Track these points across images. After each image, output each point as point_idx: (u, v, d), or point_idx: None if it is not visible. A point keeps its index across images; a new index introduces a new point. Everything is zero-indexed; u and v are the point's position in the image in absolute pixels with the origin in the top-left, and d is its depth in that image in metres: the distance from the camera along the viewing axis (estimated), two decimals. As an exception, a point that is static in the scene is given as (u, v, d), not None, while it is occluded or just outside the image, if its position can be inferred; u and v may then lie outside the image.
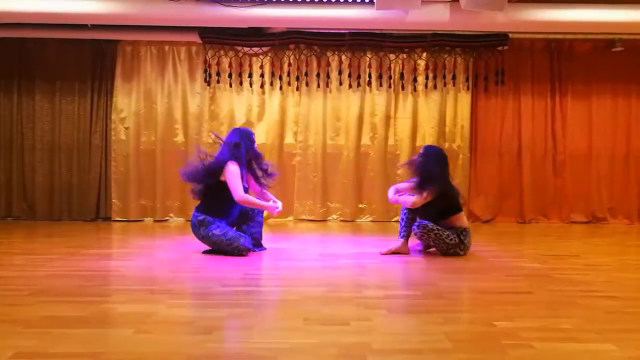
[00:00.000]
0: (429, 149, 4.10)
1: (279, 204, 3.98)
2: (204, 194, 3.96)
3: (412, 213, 3.98)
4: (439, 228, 3.85)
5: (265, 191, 4.15)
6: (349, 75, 6.42)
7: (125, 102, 6.43)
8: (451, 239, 3.86)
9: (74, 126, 6.42)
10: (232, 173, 3.80)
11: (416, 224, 3.87)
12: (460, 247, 3.90)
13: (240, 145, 3.93)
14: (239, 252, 3.82)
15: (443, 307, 2.48)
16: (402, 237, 4.00)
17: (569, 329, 2.12)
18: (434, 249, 4.05)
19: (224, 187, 3.85)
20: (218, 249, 3.89)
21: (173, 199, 6.39)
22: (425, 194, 3.83)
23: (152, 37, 6.25)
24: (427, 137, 6.48)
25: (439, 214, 3.92)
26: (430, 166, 3.89)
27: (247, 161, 4.02)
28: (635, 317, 2.35)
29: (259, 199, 4.04)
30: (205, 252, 4.01)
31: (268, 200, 4.07)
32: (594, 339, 2.00)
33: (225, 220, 3.96)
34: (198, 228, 3.89)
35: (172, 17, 5.36)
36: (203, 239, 3.92)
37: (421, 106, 6.52)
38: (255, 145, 4.07)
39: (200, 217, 3.88)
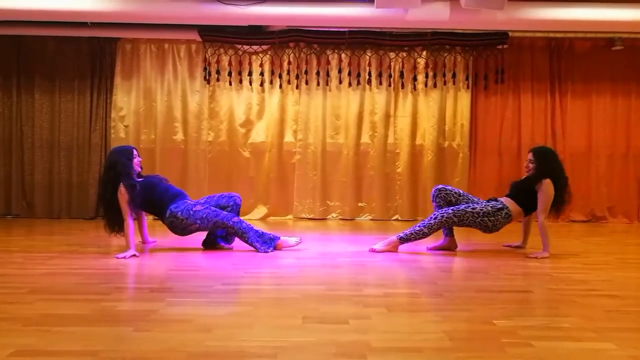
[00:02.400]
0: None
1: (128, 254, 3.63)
2: (145, 203, 3.86)
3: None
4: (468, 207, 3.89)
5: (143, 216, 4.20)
6: (349, 74, 6.41)
7: (125, 100, 6.42)
8: (482, 208, 3.87)
9: (74, 124, 6.41)
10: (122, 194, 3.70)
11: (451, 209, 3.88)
12: (490, 218, 3.86)
13: (117, 165, 3.73)
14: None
15: (442, 306, 2.48)
16: (398, 238, 3.97)
17: (568, 328, 2.12)
18: (443, 248, 4.09)
19: (145, 189, 3.80)
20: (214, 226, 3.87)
21: (172, 197, 6.38)
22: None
23: (152, 35, 6.24)
24: (427, 135, 6.48)
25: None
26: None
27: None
28: (635, 316, 2.35)
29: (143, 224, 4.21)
30: (204, 248, 4.02)
31: (143, 226, 4.21)
32: (593, 338, 2.00)
33: (181, 198, 3.92)
34: (180, 221, 3.81)
35: (172, 15, 5.36)
36: (190, 224, 3.83)
37: (421, 105, 6.52)
38: (135, 161, 3.82)
39: (169, 215, 3.82)
